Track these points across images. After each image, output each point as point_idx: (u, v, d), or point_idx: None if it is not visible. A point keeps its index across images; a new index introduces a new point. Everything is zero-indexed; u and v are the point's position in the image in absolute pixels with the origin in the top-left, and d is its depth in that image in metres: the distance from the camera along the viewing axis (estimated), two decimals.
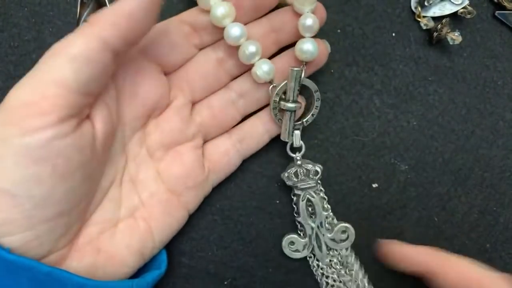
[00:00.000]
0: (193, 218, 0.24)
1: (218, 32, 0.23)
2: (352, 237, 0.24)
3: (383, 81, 0.26)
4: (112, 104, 0.21)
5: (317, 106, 0.24)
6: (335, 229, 0.24)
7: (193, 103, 0.24)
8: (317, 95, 0.24)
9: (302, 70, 0.23)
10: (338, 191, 0.26)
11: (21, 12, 0.26)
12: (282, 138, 0.24)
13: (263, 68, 0.23)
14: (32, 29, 0.25)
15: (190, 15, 0.23)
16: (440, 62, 0.26)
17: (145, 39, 0.21)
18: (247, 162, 0.25)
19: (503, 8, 0.27)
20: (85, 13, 0.24)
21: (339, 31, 0.26)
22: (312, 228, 0.24)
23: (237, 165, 0.25)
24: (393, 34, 0.26)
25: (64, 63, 0.17)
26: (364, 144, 0.26)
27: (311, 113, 0.24)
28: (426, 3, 0.26)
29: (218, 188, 0.25)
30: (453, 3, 0.26)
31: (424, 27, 0.26)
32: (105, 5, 0.24)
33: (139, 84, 0.22)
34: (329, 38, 0.25)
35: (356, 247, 0.25)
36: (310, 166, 0.24)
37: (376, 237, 0.25)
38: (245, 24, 0.23)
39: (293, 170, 0.24)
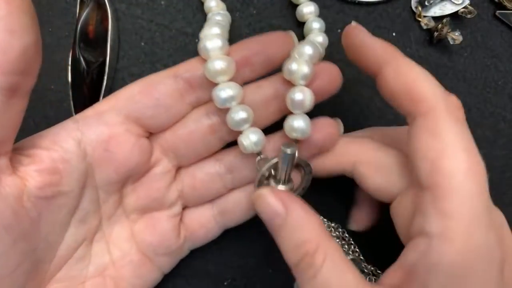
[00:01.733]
0: None
1: None
2: None
3: None
4: (74, 161, 0.19)
5: (308, 180, 0.22)
6: None
7: (179, 167, 0.22)
8: (308, 169, 0.22)
9: (295, 153, 0.20)
10: (340, 190, 0.26)
11: None
12: None
13: (250, 138, 0.20)
14: None
15: (187, 68, 0.20)
16: (440, 62, 0.26)
17: (128, 98, 0.20)
18: None
19: (504, 7, 0.27)
20: (84, 13, 0.24)
21: (339, 31, 0.26)
22: None
23: (216, 235, 0.23)
24: (394, 34, 0.26)
25: None
26: None
27: (302, 187, 0.22)
28: (426, 3, 0.26)
29: None
30: (453, 2, 0.26)
31: (425, 27, 0.26)
32: (104, 4, 0.24)
33: (113, 151, 0.20)
34: (329, 38, 0.25)
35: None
36: None
37: (375, 237, 0.25)
38: (246, 82, 0.20)
39: None
